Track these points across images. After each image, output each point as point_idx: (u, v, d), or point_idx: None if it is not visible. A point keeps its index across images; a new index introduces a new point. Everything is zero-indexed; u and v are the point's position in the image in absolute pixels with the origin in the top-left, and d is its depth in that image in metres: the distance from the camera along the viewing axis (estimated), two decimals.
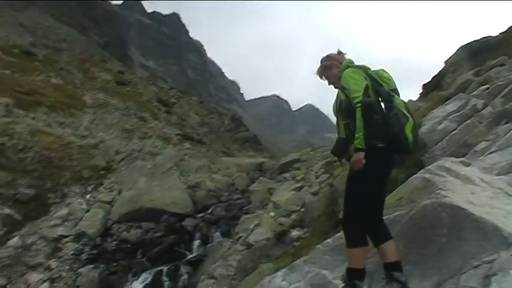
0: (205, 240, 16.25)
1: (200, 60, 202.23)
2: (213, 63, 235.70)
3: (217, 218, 17.52)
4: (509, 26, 23.52)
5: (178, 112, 50.56)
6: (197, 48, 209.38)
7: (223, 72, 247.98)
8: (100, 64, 52.96)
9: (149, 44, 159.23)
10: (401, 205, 4.25)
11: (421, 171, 4.66)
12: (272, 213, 13.48)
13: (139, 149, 25.63)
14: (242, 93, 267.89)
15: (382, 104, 3.79)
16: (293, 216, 12.56)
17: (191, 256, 15.41)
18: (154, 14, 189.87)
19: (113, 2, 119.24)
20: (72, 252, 14.75)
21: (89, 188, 18.84)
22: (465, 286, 3.16)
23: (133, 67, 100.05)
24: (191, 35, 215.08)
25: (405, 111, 3.72)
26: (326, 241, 4.71)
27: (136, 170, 18.89)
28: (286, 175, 19.29)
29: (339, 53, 4.24)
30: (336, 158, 4.05)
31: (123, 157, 23.35)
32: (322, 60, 4.24)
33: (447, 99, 10.00)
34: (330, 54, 4.24)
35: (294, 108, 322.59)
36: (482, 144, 6.93)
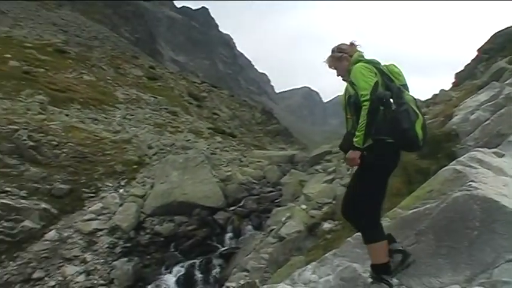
0: (237, 233, 16.31)
1: (230, 53, 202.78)
2: (242, 56, 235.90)
3: (249, 211, 17.54)
4: None
5: (209, 106, 50.78)
6: (227, 42, 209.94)
7: (253, 65, 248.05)
8: (131, 60, 53.55)
9: (179, 39, 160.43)
10: (431, 197, 4.15)
11: (452, 162, 4.53)
12: (304, 206, 13.38)
13: (171, 143, 25.81)
14: (272, 86, 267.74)
15: (392, 100, 3.69)
16: (325, 209, 12.45)
17: (223, 249, 15.47)
18: (184, 9, 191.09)
19: None
20: (106, 246, 14.95)
21: (122, 183, 19.05)
22: (498, 281, 3.06)
23: (164, 62, 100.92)
24: (220, 28, 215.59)
25: (415, 108, 3.65)
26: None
27: (168, 164, 18.99)
28: (318, 167, 19.14)
29: (351, 44, 4.14)
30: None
31: (155, 151, 23.55)
32: (332, 51, 4.16)
33: (480, 88, 9.73)
34: (341, 45, 4.14)
35: (325, 100, 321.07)
36: None
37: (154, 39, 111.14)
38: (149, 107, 36.88)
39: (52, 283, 13.02)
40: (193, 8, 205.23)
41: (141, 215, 16.86)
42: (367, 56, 4.04)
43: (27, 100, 25.33)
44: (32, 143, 18.04)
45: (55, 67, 37.52)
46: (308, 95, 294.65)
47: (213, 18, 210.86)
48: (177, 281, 13.74)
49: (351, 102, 3.77)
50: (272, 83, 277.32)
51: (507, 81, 8.99)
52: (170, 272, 14.18)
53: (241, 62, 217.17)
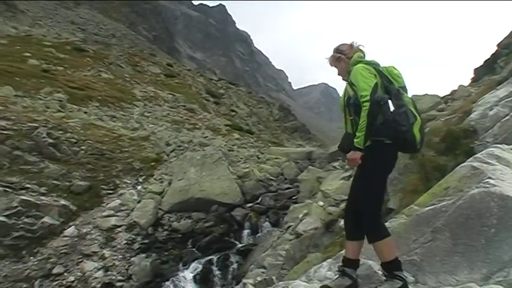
0: (254, 230, 16.32)
1: (247, 50, 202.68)
2: (260, 53, 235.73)
3: (267, 207, 17.53)
4: None
5: (227, 103, 50.83)
6: (244, 39, 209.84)
7: (270, 62, 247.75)
8: (149, 58, 53.84)
9: (196, 36, 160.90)
10: (448, 194, 4.08)
11: (469, 159, 4.46)
12: (321, 203, 13.32)
13: (189, 140, 25.88)
14: (290, 82, 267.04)
15: (391, 101, 3.72)
16: (342, 206, 12.36)
17: (241, 246, 15.49)
18: (201, 6, 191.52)
19: None
20: (125, 242, 15.06)
21: (140, 179, 19.16)
22: None
23: (182, 59, 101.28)
24: (238, 25, 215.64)
25: (413, 110, 3.68)
26: None
27: (186, 161, 19.04)
28: (335, 164, 19.02)
29: (351, 45, 4.13)
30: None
31: (173, 148, 23.64)
32: (334, 50, 4.18)
33: (499, 83, 9.55)
34: (341, 45, 4.16)
35: None
36: None
37: (171, 36, 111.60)
38: (167, 104, 37.06)
39: (71, 278, 13.17)
40: (211, 5, 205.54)
41: (159, 211, 16.95)
42: (372, 57, 4.08)
43: (46, 98, 25.62)
44: (51, 141, 18.22)
45: (73, 65, 37.90)
46: (326, 92, 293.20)
47: (230, 15, 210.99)
48: (195, 277, 13.80)
49: (351, 103, 3.80)
50: (290, 80, 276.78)
51: None
52: (188, 268, 14.24)
53: (258, 58, 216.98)
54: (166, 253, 15.11)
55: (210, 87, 53.28)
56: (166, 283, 13.64)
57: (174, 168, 19.26)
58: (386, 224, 4.45)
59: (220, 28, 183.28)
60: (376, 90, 3.60)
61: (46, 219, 14.83)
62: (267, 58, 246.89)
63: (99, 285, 13.11)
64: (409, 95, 3.89)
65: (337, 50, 4.13)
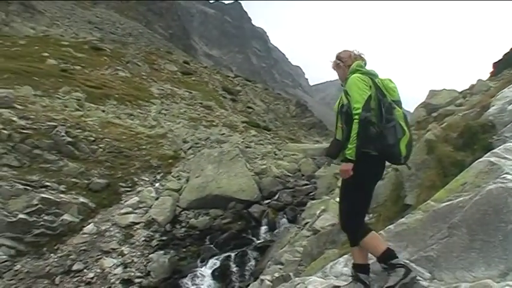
0: (272, 227, 16.29)
1: (264, 47, 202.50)
2: (276, 49, 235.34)
3: (284, 204, 17.48)
4: None
5: (244, 100, 50.89)
6: (260, 36, 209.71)
7: (287, 58, 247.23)
8: (165, 56, 54.09)
9: (213, 34, 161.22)
10: (465, 190, 4.03)
11: (486, 154, 4.40)
12: (338, 199, 13.27)
13: (206, 137, 25.97)
14: (307, 79, 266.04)
15: (382, 115, 3.75)
16: None
17: (258, 242, 15.48)
18: (217, 4, 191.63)
19: None
20: (143, 239, 15.17)
21: (158, 177, 19.29)
22: None
23: (198, 57, 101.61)
24: (254, 22, 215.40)
25: (403, 125, 3.73)
26: (388, 227, 4.56)
27: (203, 158, 19.08)
28: None
29: (352, 53, 4.18)
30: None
31: (190, 146, 23.73)
32: (336, 56, 4.25)
33: None
34: (342, 52, 4.22)
35: None
36: None
37: (188, 34, 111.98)
38: (184, 102, 37.22)
39: (91, 275, 13.31)
40: (226, 2, 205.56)
41: (177, 208, 17.04)
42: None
43: (64, 97, 25.89)
44: (70, 139, 18.42)
45: (91, 64, 38.28)
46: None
47: (246, 12, 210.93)
48: (213, 274, 13.82)
49: (343, 112, 3.85)
50: (306, 76, 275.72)
51: None
52: (206, 265, 14.26)
53: (275, 55, 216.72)
54: (184, 250, 15.18)
55: (227, 84, 53.38)
56: (185, 280, 13.69)
57: (191, 166, 19.33)
58: (403, 220, 4.43)
59: (236, 25, 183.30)
60: (369, 102, 3.66)
61: (66, 216, 15.02)
62: (284, 54, 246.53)
63: (118, 282, 13.23)
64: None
65: (337, 57, 4.21)
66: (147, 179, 18.93)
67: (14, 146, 16.58)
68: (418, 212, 4.35)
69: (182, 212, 16.96)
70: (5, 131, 16.65)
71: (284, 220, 16.41)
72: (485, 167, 4.05)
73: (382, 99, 3.75)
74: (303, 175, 20.89)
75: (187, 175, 18.80)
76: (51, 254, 13.90)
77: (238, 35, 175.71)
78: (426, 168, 7.55)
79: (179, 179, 18.73)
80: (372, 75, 3.90)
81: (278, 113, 53.80)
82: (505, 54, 24.53)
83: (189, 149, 23.19)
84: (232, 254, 14.64)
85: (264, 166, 20.64)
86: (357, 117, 3.61)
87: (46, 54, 36.37)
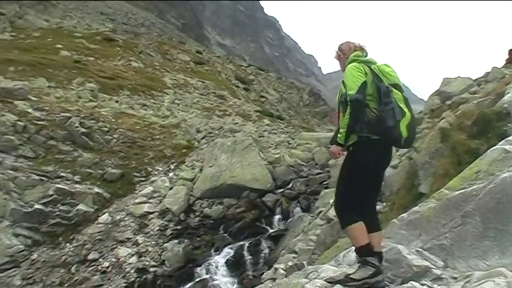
0: (285, 215, 16.29)
1: (276, 36, 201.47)
2: (289, 38, 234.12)
3: (298, 193, 17.45)
4: None
5: (257, 89, 50.80)
6: (273, 24, 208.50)
7: (300, 47, 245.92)
8: (178, 46, 54.06)
9: (225, 23, 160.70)
10: (479, 178, 4.00)
11: (501, 142, 4.35)
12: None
13: (219, 127, 25.99)
14: (320, 67, 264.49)
15: (381, 99, 3.75)
16: None
17: (272, 231, 15.52)
18: None
19: None
20: (157, 228, 15.28)
21: (172, 166, 19.36)
22: None
23: (211, 46, 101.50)
24: (266, 11, 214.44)
25: (403, 106, 3.71)
26: (401, 215, 4.54)
27: (217, 148, 19.08)
28: None
29: (352, 45, 4.21)
30: None
31: (204, 135, 23.79)
32: (338, 47, 4.31)
33: None
34: (343, 44, 4.27)
35: None
36: None
37: (200, 24, 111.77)
38: (197, 92, 37.22)
39: (106, 264, 13.46)
40: None
41: (191, 198, 17.11)
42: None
43: (78, 88, 26.05)
44: (84, 130, 18.56)
45: (104, 55, 38.39)
46: None
47: (258, 1, 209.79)
48: (227, 263, 13.90)
49: (342, 101, 3.88)
50: (320, 65, 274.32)
51: None
52: (220, 254, 14.36)
53: (288, 44, 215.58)
54: (198, 239, 15.26)
55: (240, 74, 53.29)
56: (199, 268, 13.79)
57: (205, 155, 19.35)
58: (416, 208, 4.40)
59: (249, 14, 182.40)
60: (363, 88, 3.70)
61: (81, 206, 15.18)
62: (296, 43, 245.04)
63: (133, 271, 13.36)
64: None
65: (339, 48, 4.26)
66: (161, 168, 19.02)
67: (29, 138, 16.75)
68: (432, 201, 4.32)
69: (196, 202, 17.03)
70: (20, 123, 16.82)
71: (298, 209, 16.40)
72: (500, 155, 4.02)
73: (379, 84, 3.76)
74: (316, 164, 20.80)
75: (200, 165, 18.83)
76: (67, 244, 14.08)
77: (250, 24, 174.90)
78: (440, 156, 7.51)
79: (193, 169, 18.77)
80: (368, 63, 3.92)
81: (291, 102, 53.63)
82: None
83: (202, 138, 23.24)
84: (246, 243, 14.70)
85: (278, 155, 20.60)
86: (349, 103, 3.68)
87: (59, 46, 36.54)
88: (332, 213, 12.07)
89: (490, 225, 3.49)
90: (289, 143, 24.80)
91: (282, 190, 17.72)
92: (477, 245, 3.47)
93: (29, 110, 18.11)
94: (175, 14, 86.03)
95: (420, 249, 3.80)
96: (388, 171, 12.55)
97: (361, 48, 4.16)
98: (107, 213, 15.51)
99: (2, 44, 34.94)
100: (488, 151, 4.31)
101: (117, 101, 26.76)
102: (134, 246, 14.35)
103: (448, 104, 12.91)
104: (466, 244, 3.54)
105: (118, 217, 15.45)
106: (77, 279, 12.91)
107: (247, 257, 14.09)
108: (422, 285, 3.34)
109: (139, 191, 17.01)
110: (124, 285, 12.93)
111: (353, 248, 4.56)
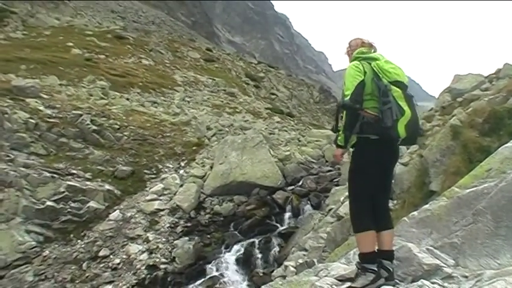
0: (296, 213, 16.26)
1: (286, 33, 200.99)
2: (299, 35, 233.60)
3: (308, 190, 17.40)
4: None
5: (267, 86, 50.80)
6: (283, 22, 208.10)
7: (310, 44, 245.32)
8: (188, 43, 54.19)
9: (235, 20, 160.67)
10: (490, 176, 3.98)
11: None
12: None
13: (230, 124, 26.02)
14: (330, 64, 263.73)
15: (378, 98, 3.73)
16: None
17: (282, 228, 15.48)
18: None
19: None
20: (168, 225, 15.31)
21: (182, 164, 19.40)
22: None
23: (221, 44, 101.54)
24: (276, 8, 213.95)
25: (403, 104, 3.66)
26: (412, 214, 4.53)
27: (227, 145, 19.08)
28: None
29: (360, 42, 4.19)
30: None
31: (214, 132, 23.81)
32: (348, 42, 4.32)
33: None
34: (352, 41, 4.26)
35: None
36: None
37: (210, 21, 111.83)
38: (207, 89, 37.31)
39: (117, 261, 13.51)
40: None
41: (201, 195, 17.13)
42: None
43: (89, 86, 26.22)
44: (95, 127, 18.66)
45: (115, 53, 38.58)
46: None
47: None
48: (237, 260, 13.89)
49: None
50: (330, 62, 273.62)
51: None
52: (230, 251, 14.34)
53: (298, 41, 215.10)
54: (208, 236, 15.27)
55: (250, 71, 53.29)
56: (209, 266, 13.79)
57: (215, 152, 19.37)
58: (427, 206, 4.38)
59: (259, 11, 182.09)
60: (360, 89, 3.69)
61: (92, 203, 15.26)
62: (307, 40, 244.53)
63: (143, 268, 13.40)
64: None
65: (349, 44, 4.26)
66: (171, 166, 19.08)
67: (41, 135, 16.86)
68: (443, 199, 4.30)
69: (206, 199, 17.05)
70: (32, 120, 16.92)
71: (308, 206, 16.36)
72: (511, 153, 3.98)
73: (378, 82, 3.73)
74: (326, 161, 20.76)
75: (211, 162, 18.86)
76: (78, 240, 14.16)
77: (260, 22, 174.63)
78: (451, 154, 7.47)
79: (203, 166, 18.81)
80: (370, 60, 3.88)
81: (301, 99, 53.58)
82: None
83: (212, 136, 23.27)
84: (256, 240, 14.68)
85: (288, 152, 20.59)
86: (341, 106, 3.73)
87: (70, 44, 36.79)
88: (342, 210, 12.05)
89: (501, 224, 3.46)
90: (300, 140, 24.79)
91: (292, 187, 17.68)
92: (488, 243, 3.45)
93: (41, 108, 18.23)
94: (186, 12, 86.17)
95: (431, 248, 3.79)
96: (399, 168, 12.52)
97: (370, 45, 4.12)
98: (117, 210, 15.58)
99: (14, 42, 35.26)
100: (500, 149, 4.28)
101: (127, 99, 26.90)
102: (145, 243, 14.40)
103: (459, 101, 12.84)
104: (477, 242, 3.52)
105: (129, 214, 15.52)
106: (88, 276, 12.98)
107: (258, 255, 14.08)
108: (433, 283, 3.33)
109: (150, 188, 17.06)
110: (135, 281, 12.97)
111: None
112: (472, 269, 3.41)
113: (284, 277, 9.84)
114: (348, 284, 3.69)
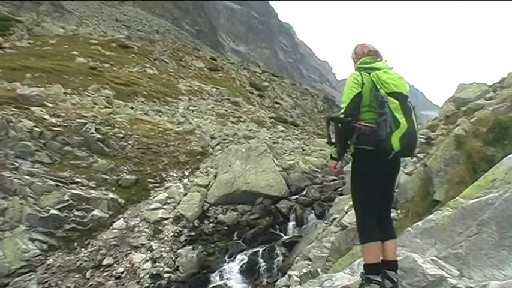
0: (300, 222, 16.22)
1: (290, 42, 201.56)
2: (303, 44, 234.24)
3: (312, 199, 17.38)
4: None
5: (271, 95, 50.90)
6: (287, 31, 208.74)
7: (314, 53, 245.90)
8: (193, 52, 54.39)
9: (239, 30, 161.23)
10: (494, 187, 3.97)
11: None
12: None
13: (234, 133, 26.05)
14: (334, 73, 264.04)
15: (375, 109, 3.77)
16: None
17: (286, 238, 15.46)
18: (243, 0, 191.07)
19: None
20: (172, 234, 15.31)
21: (186, 173, 19.41)
22: None
23: (225, 53, 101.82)
24: (280, 18, 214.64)
25: (399, 116, 3.62)
26: (416, 224, 4.52)
27: (231, 154, 19.08)
28: None
29: (365, 49, 4.16)
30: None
31: (218, 142, 23.84)
32: (353, 48, 4.28)
33: None
34: (357, 48, 4.21)
35: None
36: None
37: (214, 30, 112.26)
38: (211, 98, 37.38)
39: (120, 269, 13.50)
40: None
41: (205, 204, 17.12)
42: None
43: (94, 95, 26.32)
44: (99, 136, 18.71)
45: (119, 62, 38.77)
46: None
47: (272, 7, 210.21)
48: (241, 269, 13.86)
49: None
50: (334, 71, 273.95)
51: None
52: (234, 260, 14.31)
53: (302, 50, 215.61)
54: (212, 245, 15.24)
55: (254, 80, 53.42)
56: (213, 275, 13.77)
57: (219, 161, 19.37)
58: (431, 216, 4.37)
59: (263, 21, 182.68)
60: (356, 101, 3.73)
61: (96, 212, 15.27)
62: (311, 49, 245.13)
63: (147, 276, 13.39)
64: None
65: (354, 50, 4.23)
66: (175, 174, 19.09)
67: (46, 143, 16.92)
68: (447, 209, 4.30)
69: (210, 208, 17.04)
70: (36, 129, 16.99)
71: (312, 216, 16.33)
72: None
73: (376, 93, 3.73)
74: None
75: (215, 171, 18.86)
76: (82, 249, 14.17)
77: (265, 31, 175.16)
78: (455, 163, 7.45)
79: (207, 175, 18.81)
80: (371, 70, 3.86)
81: (305, 108, 53.60)
82: None
83: (216, 145, 23.30)
84: (260, 250, 14.65)
85: (292, 161, 20.58)
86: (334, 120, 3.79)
87: (75, 52, 36.97)
88: (346, 220, 12.01)
89: (506, 235, 3.45)
90: (304, 150, 24.77)
91: (296, 197, 17.66)
92: (493, 254, 3.44)
93: (46, 116, 18.30)
94: (190, 21, 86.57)
95: (435, 258, 3.78)
96: (403, 178, 12.48)
97: (375, 53, 4.10)
98: (121, 219, 15.59)
99: (19, 51, 35.49)
100: (504, 159, 4.28)
101: (132, 107, 26.97)
102: (148, 252, 14.39)
103: (463, 110, 12.82)
104: (482, 253, 3.51)
105: (132, 223, 15.52)
106: (91, 285, 12.96)
107: (261, 264, 14.04)
108: None
109: (154, 197, 17.08)
110: None
111: None
112: (477, 279, 3.40)
113: (288, 286, 9.83)
114: None
